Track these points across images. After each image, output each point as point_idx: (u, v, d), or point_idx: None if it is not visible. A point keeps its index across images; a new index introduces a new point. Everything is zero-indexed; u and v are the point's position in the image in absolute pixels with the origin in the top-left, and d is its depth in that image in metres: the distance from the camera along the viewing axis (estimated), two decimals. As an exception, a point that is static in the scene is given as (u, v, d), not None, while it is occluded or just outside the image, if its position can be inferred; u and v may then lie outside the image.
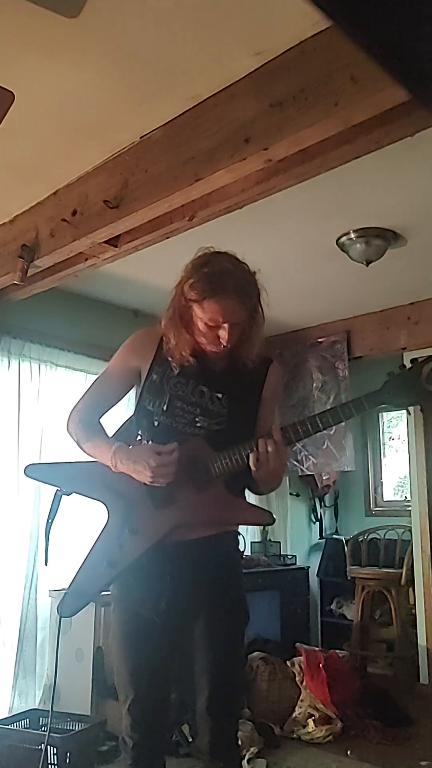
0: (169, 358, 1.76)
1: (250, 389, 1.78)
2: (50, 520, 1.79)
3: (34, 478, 1.83)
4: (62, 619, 1.77)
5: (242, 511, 1.72)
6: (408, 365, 1.63)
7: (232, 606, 1.72)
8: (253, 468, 1.60)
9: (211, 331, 1.68)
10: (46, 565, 1.85)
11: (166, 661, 1.71)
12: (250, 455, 1.61)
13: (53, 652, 3.51)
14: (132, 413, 1.84)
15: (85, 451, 1.80)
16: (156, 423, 1.73)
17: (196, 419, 1.71)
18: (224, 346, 1.70)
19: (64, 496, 1.77)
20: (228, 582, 1.73)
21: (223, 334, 1.67)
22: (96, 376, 1.95)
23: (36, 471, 1.83)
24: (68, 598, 1.71)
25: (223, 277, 1.64)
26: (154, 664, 1.69)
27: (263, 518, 1.74)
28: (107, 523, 1.71)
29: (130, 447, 1.72)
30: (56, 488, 1.78)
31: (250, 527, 5.02)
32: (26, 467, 1.81)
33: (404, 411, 4.61)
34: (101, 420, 1.85)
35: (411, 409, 4.29)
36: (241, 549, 1.81)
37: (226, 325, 1.66)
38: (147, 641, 1.68)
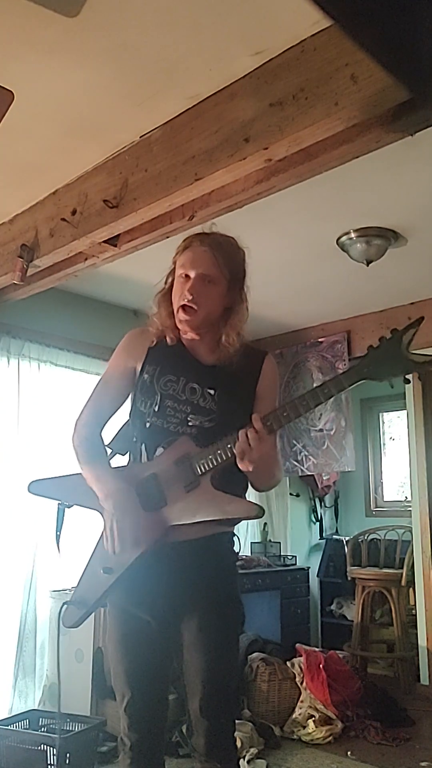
0: (158, 335, 1.79)
1: (244, 384, 1.75)
2: (58, 533, 1.85)
3: (38, 495, 1.86)
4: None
5: (230, 506, 1.66)
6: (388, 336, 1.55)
7: (226, 607, 1.71)
8: (237, 459, 1.58)
9: (182, 288, 1.72)
10: (59, 552, 1.89)
11: (162, 662, 1.71)
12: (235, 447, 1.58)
13: (54, 653, 3.52)
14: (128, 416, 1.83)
15: (82, 471, 1.78)
16: (147, 424, 1.72)
17: (188, 418, 1.70)
18: (189, 300, 1.68)
19: (66, 509, 1.83)
20: (223, 583, 1.72)
21: (188, 285, 1.70)
22: (96, 377, 1.95)
23: (39, 487, 1.86)
24: (71, 609, 1.72)
25: (202, 235, 1.78)
26: (150, 665, 1.69)
27: (252, 511, 1.67)
28: (103, 531, 1.71)
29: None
30: (58, 502, 1.83)
31: (250, 527, 5.03)
32: (29, 484, 1.84)
33: (405, 411, 4.60)
34: (105, 427, 1.85)
35: (407, 387, 4.30)
36: (236, 550, 1.81)
37: (192, 273, 1.70)
38: (143, 642, 1.68)
